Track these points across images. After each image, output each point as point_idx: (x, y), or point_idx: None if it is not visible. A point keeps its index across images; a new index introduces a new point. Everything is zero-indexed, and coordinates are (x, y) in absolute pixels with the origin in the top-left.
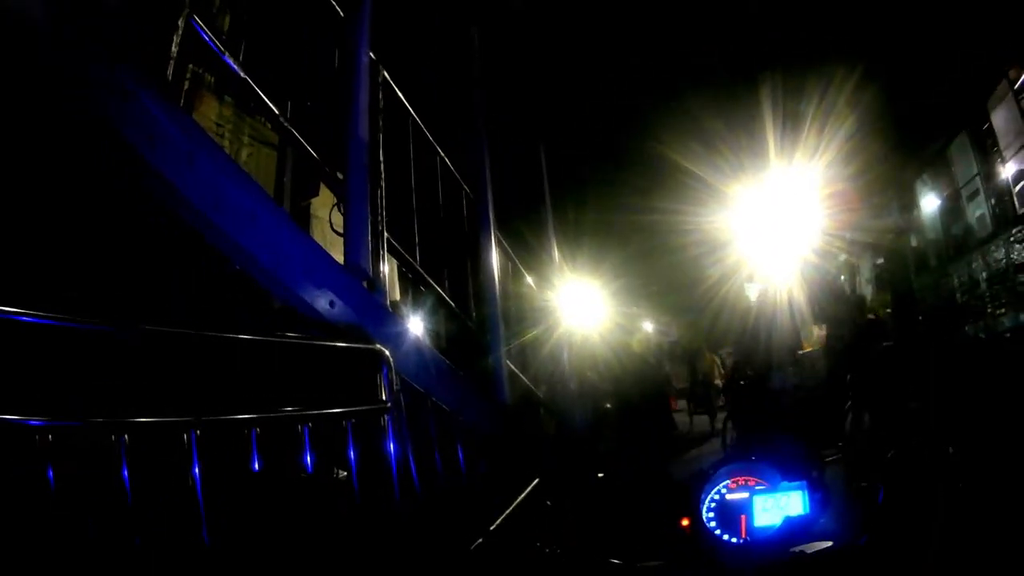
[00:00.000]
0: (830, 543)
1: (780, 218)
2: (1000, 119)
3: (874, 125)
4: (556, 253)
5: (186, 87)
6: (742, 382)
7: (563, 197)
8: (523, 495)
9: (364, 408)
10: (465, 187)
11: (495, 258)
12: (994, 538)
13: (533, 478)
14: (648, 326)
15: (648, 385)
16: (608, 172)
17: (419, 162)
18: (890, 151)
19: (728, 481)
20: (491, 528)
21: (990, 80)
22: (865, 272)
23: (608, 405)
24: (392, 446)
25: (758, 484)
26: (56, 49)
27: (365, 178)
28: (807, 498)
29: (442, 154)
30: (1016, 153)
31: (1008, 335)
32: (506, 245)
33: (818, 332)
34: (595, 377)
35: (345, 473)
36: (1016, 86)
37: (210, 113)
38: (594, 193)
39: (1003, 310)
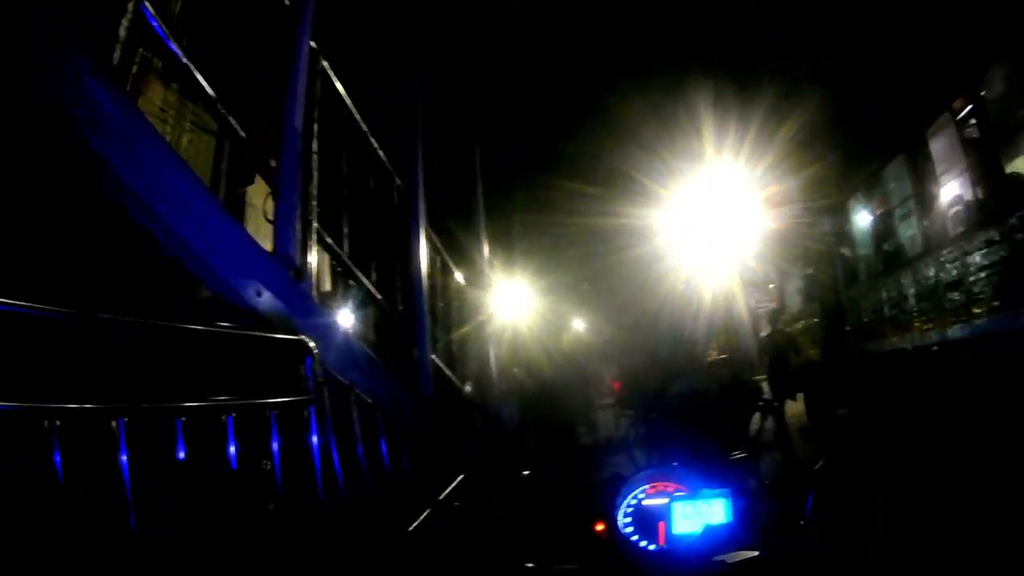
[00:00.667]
0: (756, 552)
1: (715, 221)
2: (939, 146)
3: (814, 137)
4: (487, 250)
5: (134, 71)
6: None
7: (496, 194)
8: (446, 492)
9: (287, 399)
10: (398, 180)
11: (424, 252)
12: (926, 549)
13: (458, 474)
14: (579, 325)
15: (574, 385)
16: (543, 171)
17: (353, 153)
18: (828, 164)
19: (646, 486)
20: (411, 527)
21: (932, 108)
22: (795, 281)
23: (535, 403)
24: (315, 439)
25: (678, 490)
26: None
27: (297, 167)
28: (730, 506)
29: (376, 145)
30: (951, 179)
31: (934, 348)
32: (436, 240)
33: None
34: (523, 375)
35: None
36: (958, 117)
37: (155, 98)
38: (528, 192)
39: (930, 325)
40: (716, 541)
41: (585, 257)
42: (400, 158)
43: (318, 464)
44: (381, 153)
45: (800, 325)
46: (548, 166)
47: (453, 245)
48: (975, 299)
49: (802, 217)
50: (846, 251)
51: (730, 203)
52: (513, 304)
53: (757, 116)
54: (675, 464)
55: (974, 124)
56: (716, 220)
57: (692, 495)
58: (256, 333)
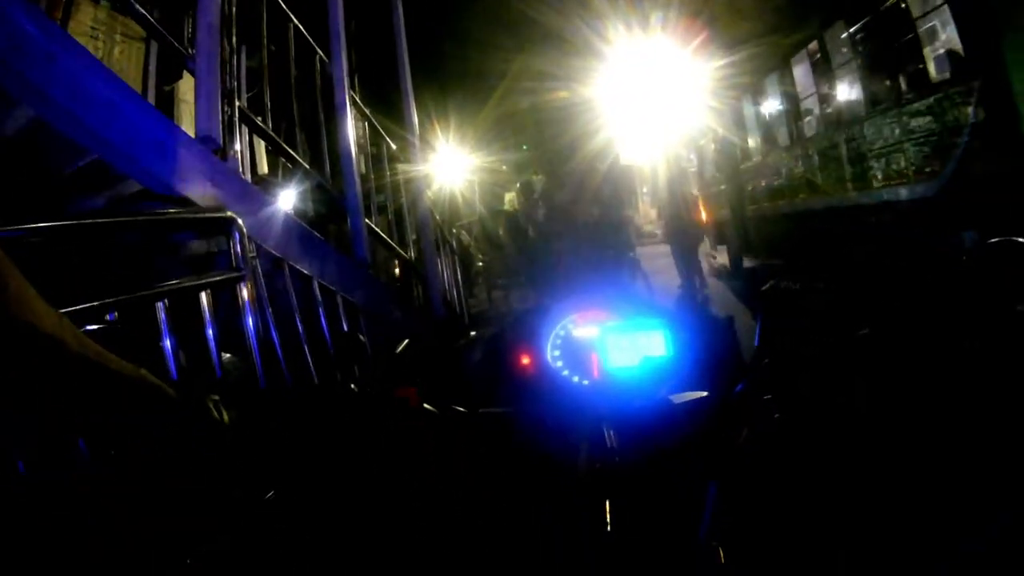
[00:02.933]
0: (704, 393)
1: (648, 77)
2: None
3: (750, 12)
4: (415, 112)
5: None
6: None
7: (423, 56)
8: (389, 358)
9: (218, 278)
10: (320, 52)
11: (351, 121)
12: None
13: (402, 339)
14: (521, 185)
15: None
16: (472, 26)
17: (273, 29)
18: (756, 43)
19: (574, 315)
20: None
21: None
22: (709, 154)
23: (480, 263)
24: (250, 318)
25: (609, 320)
26: None
27: (214, 47)
28: (669, 338)
29: (295, 20)
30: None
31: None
32: (362, 107)
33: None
34: (466, 236)
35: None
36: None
37: (86, 19)
38: (457, 50)
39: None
40: (656, 376)
41: (519, 112)
42: (321, 30)
43: (255, 343)
44: (302, 28)
45: (713, 189)
46: (475, 19)
47: (385, 111)
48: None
49: (728, 93)
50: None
51: (664, 70)
52: (451, 167)
53: None
54: (607, 293)
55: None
56: (651, 85)
57: (626, 326)
58: (180, 214)
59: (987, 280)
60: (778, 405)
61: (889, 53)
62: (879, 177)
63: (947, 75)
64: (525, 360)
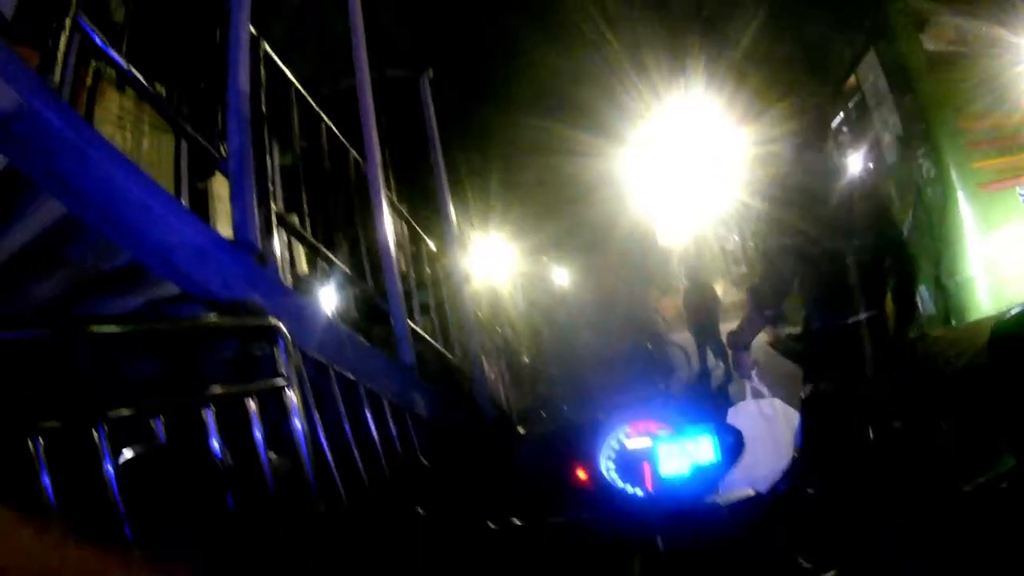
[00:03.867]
0: (751, 491)
1: (687, 159)
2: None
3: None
4: (452, 212)
5: (88, 83)
6: None
7: (456, 152)
8: (437, 455)
9: (264, 385)
10: (354, 152)
11: (389, 222)
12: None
13: (447, 436)
14: (560, 277)
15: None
16: (503, 116)
17: (307, 133)
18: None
19: (626, 427)
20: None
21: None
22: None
23: (525, 360)
24: (297, 421)
25: (661, 429)
26: None
27: (247, 152)
28: (717, 443)
29: (328, 122)
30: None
31: None
32: (401, 208)
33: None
34: (509, 334)
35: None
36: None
37: (112, 106)
38: (493, 146)
39: None
40: (706, 482)
41: (561, 207)
42: (355, 131)
43: (303, 446)
44: (334, 128)
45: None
46: (505, 109)
47: (423, 210)
48: None
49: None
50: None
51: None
52: (491, 264)
53: (732, 52)
54: (656, 401)
55: None
56: (692, 162)
57: (677, 434)
58: (226, 323)
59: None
60: (821, 499)
61: None
62: None
63: None
64: (581, 473)
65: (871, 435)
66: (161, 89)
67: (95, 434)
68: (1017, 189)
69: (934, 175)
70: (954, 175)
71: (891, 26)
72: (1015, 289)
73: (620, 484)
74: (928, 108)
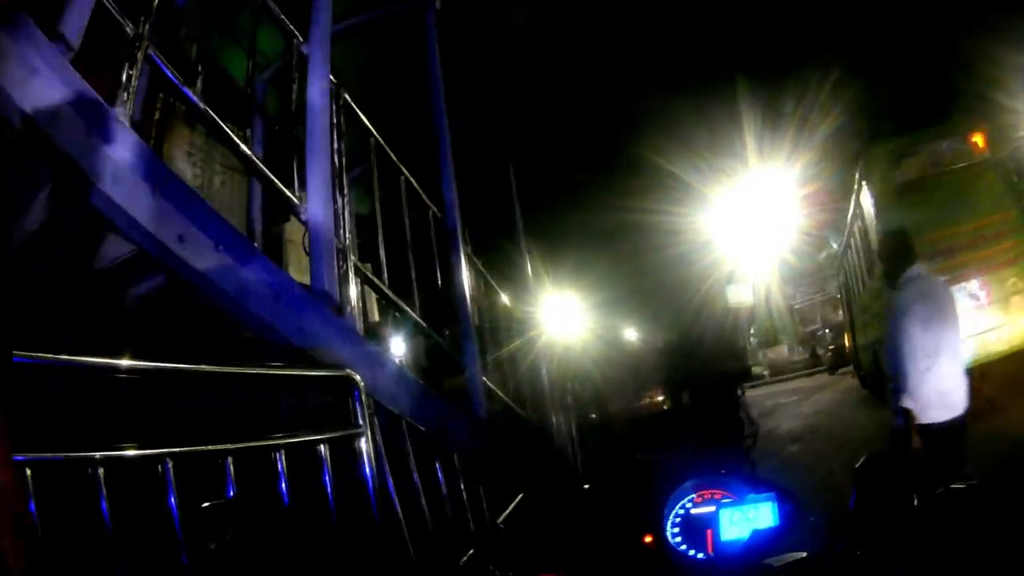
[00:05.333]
0: (804, 554)
1: (756, 218)
2: None
3: (850, 136)
4: (529, 266)
5: (157, 116)
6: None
7: (534, 209)
8: (507, 512)
9: (338, 433)
10: (432, 207)
11: (466, 276)
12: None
13: (517, 494)
14: (631, 334)
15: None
16: (582, 180)
17: (384, 183)
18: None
19: (694, 495)
20: (471, 552)
21: None
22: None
23: (594, 416)
24: (368, 470)
25: (725, 497)
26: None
27: (327, 201)
28: (776, 510)
29: (407, 174)
30: None
31: None
32: (476, 261)
33: None
34: (579, 388)
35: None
36: None
37: (181, 142)
38: (566, 203)
39: None
40: (762, 545)
41: (631, 264)
42: (434, 184)
43: (373, 496)
44: (414, 182)
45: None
46: (584, 174)
47: (497, 263)
48: None
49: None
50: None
51: (770, 199)
52: (562, 317)
53: (794, 116)
54: (722, 471)
55: None
56: (757, 216)
57: (739, 501)
58: (302, 371)
59: None
60: (870, 563)
61: None
62: None
63: None
64: (648, 539)
65: (915, 501)
66: (235, 131)
67: (160, 469)
68: (964, 285)
69: None
70: None
71: (874, 160)
72: None
73: (683, 547)
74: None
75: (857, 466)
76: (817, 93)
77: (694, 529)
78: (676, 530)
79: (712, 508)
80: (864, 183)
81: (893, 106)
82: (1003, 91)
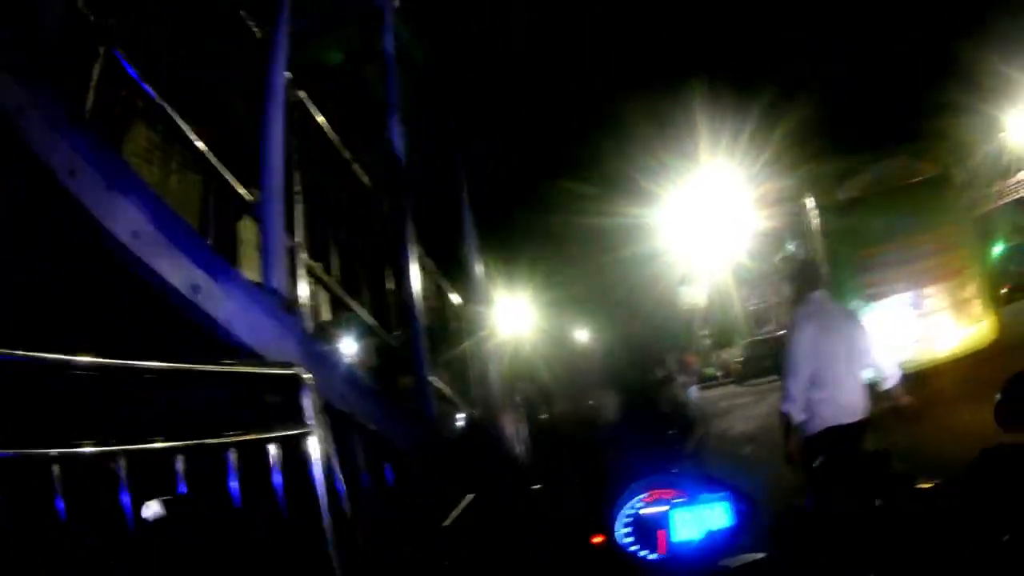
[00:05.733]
0: (760, 555)
1: (710, 219)
2: None
3: (808, 136)
4: (480, 267)
5: (117, 112)
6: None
7: (485, 210)
8: (456, 511)
9: (287, 432)
10: (385, 206)
11: (416, 276)
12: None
13: (466, 494)
14: (582, 335)
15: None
16: (534, 181)
17: (336, 181)
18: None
19: (645, 495)
20: (419, 550)
21: None
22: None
23: (545, 416)
24: (317, 470)
25: (677, 496)
26: None
27: (278, 199)
28: (731, 509)
29: (359, 171)
30: None
31: None
32: (427, 261)
33: None
34: (529, 389)
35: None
36: None
37: (140, 139)
38: (518, 204)
39: None
40: (718, 546)
41: (583, 264)
42: (385, 183)
43: (322, 495)
44: (366, 179)
45: None
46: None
47: (448, 265)
48: None
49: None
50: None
51: (725, 201)
52: (512, 317)
53: (751, 117)
54: (674, 470)
55: None
56: (711, 218)
57: (692, 501)
58: (250, 369)
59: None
60: (832, 564)
61: None
62: None
63: None
64: (598, 539)
65: (877, 502)
66: (192, 129)
67: (113, 466)
68: (894, 297)
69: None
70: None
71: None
72: None
73: (634, 548)
74: (831, 242)
75: (814, 466)
76: (772, 100)
77: (646, 529)
78: (627, 530)
79: (664, 508)
80: (807, 199)
81: (843, 124)
82: (952, 117)
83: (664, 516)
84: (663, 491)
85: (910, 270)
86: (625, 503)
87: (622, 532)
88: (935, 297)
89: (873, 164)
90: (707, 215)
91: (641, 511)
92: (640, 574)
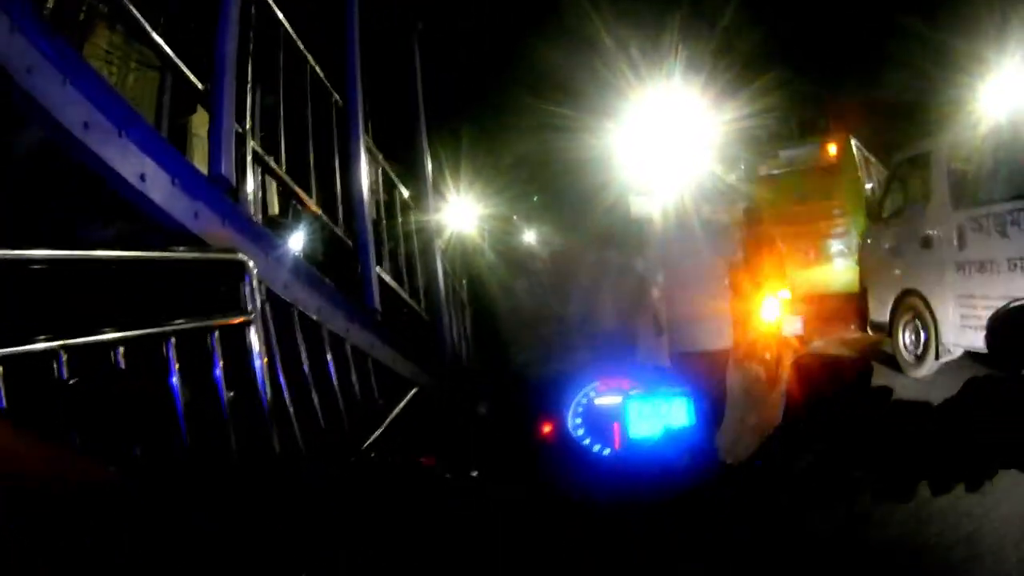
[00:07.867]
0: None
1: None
2: None
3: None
4: (431, 163)
5: (82, 17)
6: None
7: (439, 106)
8: (399, 407)
9: (228, 320)
10: (335, 95)
11: (365, 167)
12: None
13: (410, 388)
14: (530, 236)
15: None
16: (487, 76)
17: (290, 72)
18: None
19: (596, 383)
20: (366, 444)
21: None
22: None
23: (493, 312)
24: (258, 359)
25: (632, 387)
26: None
27: (229, 87)
28: (692, 407)
29: (312, 62)
30: None
31: None
32: (377, 153)
33: None
34: (477, 286)
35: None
36: None
37: (101, 43)
38: (471, 99)
39: None
40: (678, 446)
41: (536, 165)
42: (338, 73)
43: (262, 386)
44: (319, 70)
45: None
46: (490, 71)
47: (399, 159)
48: None
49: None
50: None
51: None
52: (462, 217)
53: (718, 40)
54: (630, 360)
55: None
56: (672, 129)
57: (649, 393)
58: (192, 254)
59: None
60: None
61: None
62: None
63: None
64: (546, 428)
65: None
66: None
67: (55, 363)
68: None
69: None
70: None
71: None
72: None
73: (587, 442)
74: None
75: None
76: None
77: (599, 422)
78: (579, 420)
79: (618, 399)
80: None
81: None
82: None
83: (619, 408)
84: (617, 380)
85: (804, 229)
86: (577, 390)
87: (574, 423)
88: (819, 250)
89: (787, 149)
90: (667, 125)
91: (595, 400)
92: (593, 470)
